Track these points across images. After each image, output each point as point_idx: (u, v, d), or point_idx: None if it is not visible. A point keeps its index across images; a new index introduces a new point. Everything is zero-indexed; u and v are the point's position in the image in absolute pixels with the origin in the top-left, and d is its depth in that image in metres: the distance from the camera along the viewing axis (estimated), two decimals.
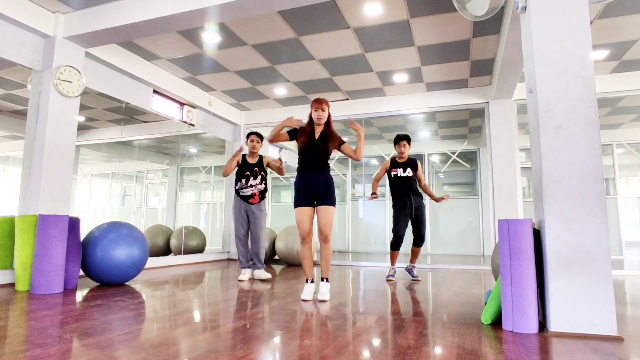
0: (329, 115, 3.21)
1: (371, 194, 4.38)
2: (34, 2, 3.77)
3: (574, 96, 2.20)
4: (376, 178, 4.48)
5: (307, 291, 3.09)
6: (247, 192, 4.29)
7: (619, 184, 7.51)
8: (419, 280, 4.25)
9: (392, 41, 4.50)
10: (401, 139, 4.39)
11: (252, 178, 4.33)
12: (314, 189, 3.12)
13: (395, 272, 4.37)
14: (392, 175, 4.39)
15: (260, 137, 4.42)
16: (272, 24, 4.14)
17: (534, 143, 2.35)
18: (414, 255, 4.38)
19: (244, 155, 4.42)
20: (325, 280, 3.14)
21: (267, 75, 5.52)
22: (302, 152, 3.21)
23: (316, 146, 3.16)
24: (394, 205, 4.39)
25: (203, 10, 3.46)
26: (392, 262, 4.37)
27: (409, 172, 4.34)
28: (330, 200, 3.13)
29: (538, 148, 2.25)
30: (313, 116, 3.17)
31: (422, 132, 8.29)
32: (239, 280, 4.14)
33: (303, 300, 3.01)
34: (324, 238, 3.09)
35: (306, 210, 3.12)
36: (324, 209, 3.10)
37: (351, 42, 4.53)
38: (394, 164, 4.43)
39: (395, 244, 4.28)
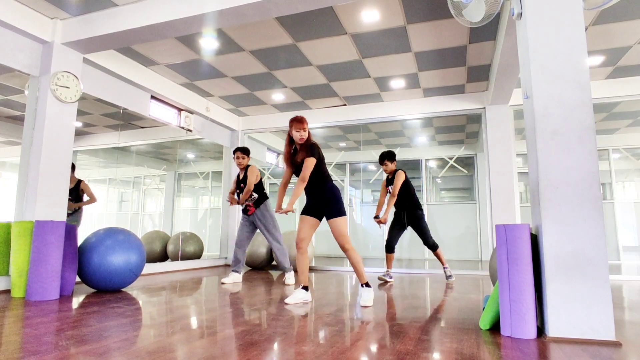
0: (309, 133, 3.18)
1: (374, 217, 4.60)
2: (32, 8, 3.78)
3: (570, 102, 2.22)
4: (381, 202, 4.71)
5: (296, 296, 3.12)
6: (243, 206, 4.55)
7: (615, 189, 7.55)
8: (450, 277, 4.58)
9: (389, 47, 4.52)
10: (380, 160, 4.63)
11: (241, 195, 4.56)
12: (319, 207, 3.19)
13: (387, 275, 4.54)
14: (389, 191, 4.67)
15: (246, 152, 4.58)
16: (270, 30, 4.16)
17: (531, 148, 2.36)
18: (438, 259, 4.63)
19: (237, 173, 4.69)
20: (364, 285, 3.11)
21: (265, 81, 5.53)
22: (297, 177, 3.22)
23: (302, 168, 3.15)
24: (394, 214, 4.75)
25: (201, 16, 3.48)
26: (387, 265, 4.61)
27: None
28: (336, 212, 3.11)
29: (535, 153, 2.26)
30: (295, 136, 3.11)
31: (419, 138, 8.32)
32: (221, 283, 4.29)
33: (285, 303, 3.04)
34: (341, 248, 3.11)
35: (309, 219, 3.19)
36: (332, 222, 3.11)
37: (348, 48, 4.55)
38: (387, 182, 4.70)
39: (386, 247, 4.61)
